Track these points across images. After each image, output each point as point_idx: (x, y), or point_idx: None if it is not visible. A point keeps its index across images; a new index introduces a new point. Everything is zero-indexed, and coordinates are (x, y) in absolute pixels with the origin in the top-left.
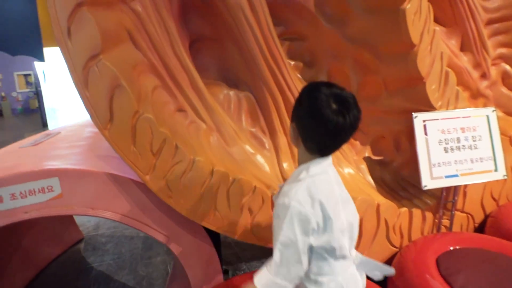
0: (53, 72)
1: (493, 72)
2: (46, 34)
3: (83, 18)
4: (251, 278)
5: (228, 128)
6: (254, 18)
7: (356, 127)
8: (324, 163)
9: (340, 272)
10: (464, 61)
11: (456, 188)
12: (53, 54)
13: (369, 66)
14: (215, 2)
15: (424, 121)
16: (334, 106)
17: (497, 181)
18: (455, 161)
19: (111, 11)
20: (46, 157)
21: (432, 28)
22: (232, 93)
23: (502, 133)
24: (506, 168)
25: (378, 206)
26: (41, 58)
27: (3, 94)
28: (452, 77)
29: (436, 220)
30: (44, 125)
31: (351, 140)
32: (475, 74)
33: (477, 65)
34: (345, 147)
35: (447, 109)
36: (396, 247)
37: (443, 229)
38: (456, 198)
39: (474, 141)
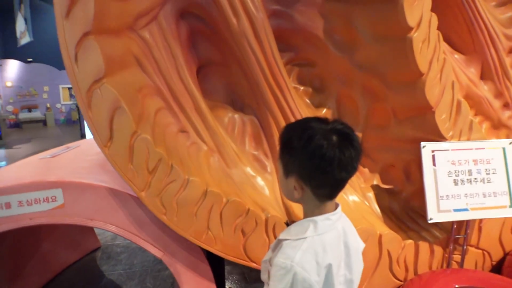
0: None
1: None
2: None
3: (89, 46)
4: None
5: (229, 150)
6: (258, 45)
7: (360, 154)
8: (334, 217)
9: None
10: (484, 90)
11: (468, 222)
12: None
13: (378, 93)
14: (221, 29)
15: (432, 151)
16: (335, 140)
17: None
18: (466, 194)
19: (118, 39)
20: (56, 169)
21: (442, 56)
22: (237, 116)
23: None
24: None
25: (380, 236)
26: None
27: (48, 105)
28: (465, 107)
29: (446, 255)
30: (82, 136)
31: (359, 167)
32: (497, 103)
33: (498, 95)
34: None
35: (459, 139)
36: (400, 280)
37: (454, 265)
38: (467, 232)
39: (487, 174)
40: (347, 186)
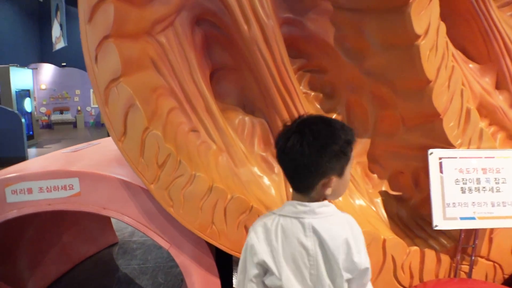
0: None
1: None
2: None
3: (108, 48)
4: None
5: (238, 150)
6: (269, 51)
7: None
8: (300, 208)
9: None
10: (499, 100)
11: (476, 232)
12: None
13: (387, 100)
14: (234, 36)
15: (440, 158)
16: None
17: None
18: (473, 203)
19: (136, 42)
20: (76, 161)
21: (450, 64)
22: (247, 118)
23: None
24: None
25: (384, 241)
26: None
27: (79, 108)
28: (475, 115)
29: (454, 264)
30: None
31: (368, 173)
32: None
33: None
34: (360, 179)
35: (468, 147)
36: (404, 287)
37: (462, 275)
38: (476, 242)
39: (496, 183)
40: (354, 190)
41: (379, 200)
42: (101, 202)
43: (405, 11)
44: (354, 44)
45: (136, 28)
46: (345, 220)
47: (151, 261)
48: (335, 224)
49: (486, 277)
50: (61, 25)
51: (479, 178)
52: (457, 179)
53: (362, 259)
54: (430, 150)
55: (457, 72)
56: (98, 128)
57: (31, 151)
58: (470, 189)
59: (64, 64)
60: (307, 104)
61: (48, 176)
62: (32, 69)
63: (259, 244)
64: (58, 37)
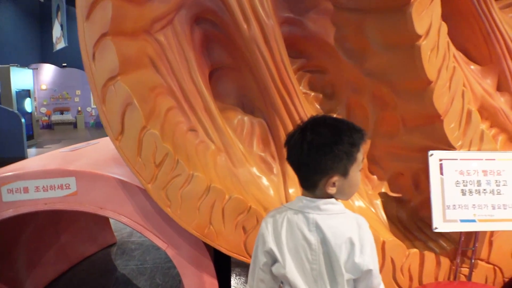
0: None
1: None
2: None
3: (106, 46)
4: None
5: (236, 150)
6: (268, 50)
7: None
8: (306, 202)
9: None
10: (501, 101)
11: (477, 235)
12: None
13: (387, 101)
14: (233, 35)
15: (440, 160)
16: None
17: None
18: (473, 205)
19: (134, 40)
20: (73, 160)
21: (451, 65)
22: (246, 118)
23: None
24: None
25: (383, 243)
26: None
27: (79, 108)
28: (476, 117)
29: (454, 267)
30: None
31: (368, 174)
32: None
33: None
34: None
35: (469, 149)
36: None
37: (462, 278)
38: (476, 245)
39: (497, 186)
40: None
41: (378, 201)
42: (98, 202)
43: (406, 11)
44: (355, 44)
45: (134, 26)
46: (354, 220)
47: (149, 262)
48: (340, 222)
49: (486, 280)
50: (61, 26)
51: (480, 180)
52: (457, 181)
53: (365, 260)
54: (431, 152)
55: (458, 73)
56: (98, 129)
57: (31, 151)
58: (470, 191)
59: (65, 64)
60: (307, 104)
61: (45, 175)
62: (32, 69)
63: (267, 234)
64: (58, 38)
